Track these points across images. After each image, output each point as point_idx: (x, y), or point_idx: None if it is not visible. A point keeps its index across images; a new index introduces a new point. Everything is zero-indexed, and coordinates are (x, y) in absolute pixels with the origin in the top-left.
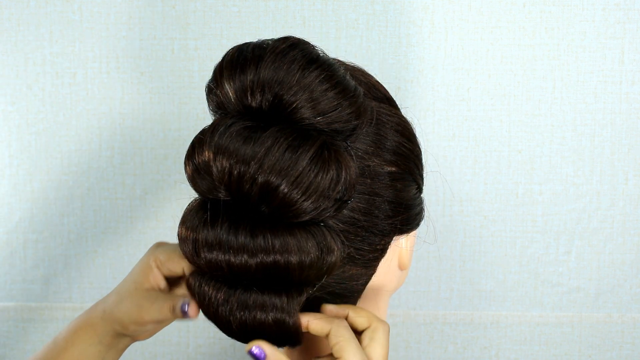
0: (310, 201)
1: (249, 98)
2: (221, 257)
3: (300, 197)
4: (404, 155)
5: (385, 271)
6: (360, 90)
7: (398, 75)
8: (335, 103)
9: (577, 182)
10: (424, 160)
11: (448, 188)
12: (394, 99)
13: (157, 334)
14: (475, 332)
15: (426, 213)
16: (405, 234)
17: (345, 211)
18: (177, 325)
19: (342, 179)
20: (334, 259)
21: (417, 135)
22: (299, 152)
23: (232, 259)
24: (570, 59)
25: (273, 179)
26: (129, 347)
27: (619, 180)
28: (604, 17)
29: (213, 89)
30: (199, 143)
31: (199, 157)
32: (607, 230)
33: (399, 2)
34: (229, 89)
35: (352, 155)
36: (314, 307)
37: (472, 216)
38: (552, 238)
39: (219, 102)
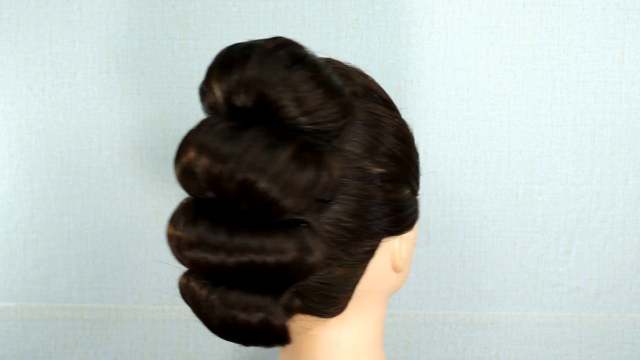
0: (288, 199)
1: (235, 98)
2: (201, 255)
3: (278, 195)
4: (396, 158)
5: (378, 273)
6: (347, 90)
7: (398, 75)
8: (320, 102)
9: (577, 182)
10: (422, 162)
11: (448, 188)
12: (394, 99)
13: (157, 333)
14: (475, 332)
15: (425, 215)
16: (397, 236)
17: (329, 212)
18: (177, 325)
19: (322, 180)
20: (313, 259)
21: (414, 138)
22: (277, 151)
23: (211, 258)
24: (570, 59)
25: (251, 175)
26: (129, 347)
27: (619, 180)
28: (604, 17)
29: (205, 91)
30: (184, 143)
31: (184, 157)
32: (607, 230)
33: (399, 2)
34: (217, 90)
35: (337, 156)
36: (303, 308)
37: (472, 216)
38: (552, 238)
39: (210, 103)
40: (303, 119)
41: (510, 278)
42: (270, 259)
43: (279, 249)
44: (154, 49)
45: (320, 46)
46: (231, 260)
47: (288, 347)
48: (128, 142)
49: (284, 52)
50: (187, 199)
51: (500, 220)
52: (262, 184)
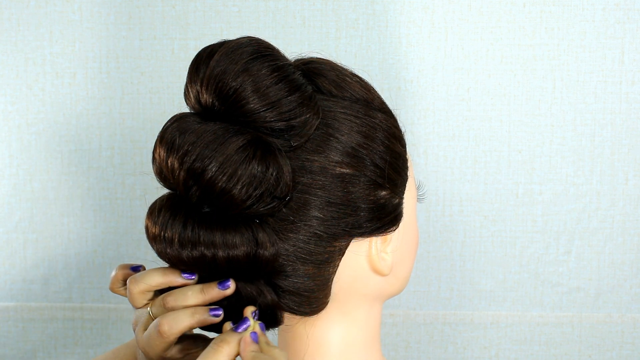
0: (236, 191)
1: (201, 94)
2: (161, 247)
3: (225, 184)
4: (360, 158)
5: (354, 274)
6: (309, 88)
7: (398, 75)
8: (281, 97)
9: (577, 182)
10: (422, 162)
11: (448, 188)
12: (395, 99)
13: None
14: (475, 332)
15: (425, 215)
16: (371, 238)
17: (287, 210)
18: None
19: (269, 175)
20: (267, 254)
21: (403, 141)
22: (226, 142)
23: (169, 250)
24: (570, 59)
25: (198, 164)
26: None
27: (619, 180)
28: (604, 17)
29: (185, 93)
30: (157, 142)
31: (154, 154)
32: (607, 230)
33: (399, 2)
34: (190, 90)
35: (294, 154)
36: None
37: (472, 216)
38: (552, 238)
39: (189, 104)
40: (264, 114)
41: (510, 278)
42: (221, 253)
43: (228, 243)
44: (154, 49)
45: (320, 46)
46: (185, 253)
47: (280, 346)
48: (128, 142)
49: (249, 48)
50: (166, 193)
51: (500, 220)
52: (209, 174)
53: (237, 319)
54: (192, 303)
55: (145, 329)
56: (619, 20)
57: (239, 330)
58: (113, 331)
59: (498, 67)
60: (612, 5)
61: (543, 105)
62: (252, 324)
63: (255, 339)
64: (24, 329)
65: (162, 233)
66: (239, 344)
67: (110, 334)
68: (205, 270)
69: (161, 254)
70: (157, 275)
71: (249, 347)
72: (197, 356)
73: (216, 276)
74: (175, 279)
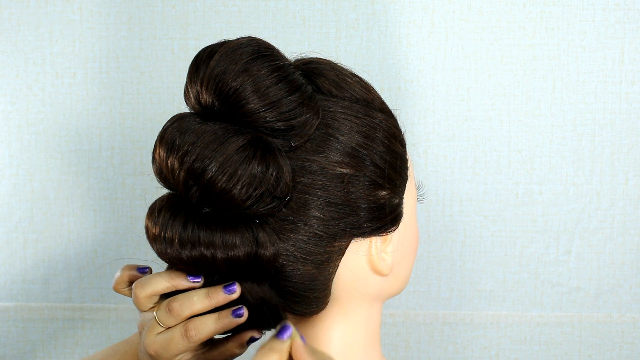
0: (236, 191)
1: (201, 95)
2: (161, 247)
3: (225, 185)
4: (360, 158)
5: (354, 274)
6: (309, 88)
7: (398, 75)
8: (281, 97)
9: (577, 182)
10: (422, 162)
11: (448, 188)
12: (395, 99)
13: None
14: (475, 332)
15: (425, 215)
16: (371, 238)
17: (287, 210)
18: None
19: (269, 175)
20: (268, 253)
21: (402, 141)
22: (226, 142)
23: (169, 250)
24: (570, 59)
25: (198, 164)
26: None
27: (619, 180)
28: (604, 17)
29: (185, 93)
30: (157, 142)
31: (154, 154)
32: (607, 230)
33: (399, 2)
34: (190, 90)
35: (294, 154)
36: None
37: (472, 216)
38: (552, 238)
39: (189, 104)
40: (264, 114)
41: (510, 278)
42: (220, 253)
43: (227, 244)
44: (154, 49)
45: (320, 46)
46: (184, 253)
47: None
48: (128, 142)
49: (249, 48)
50: (166, 193)
51: (500, 220)
52: (209, 174)
53: (254, 319)
54: (197, 308)
55: (155, 333)
56: (619, 20)
57: (284, 338)
58: (113, 331)
59: (498, 67)
60: (612, 5)
61: (543, 105)
62: (294, 330)
63: (305, 341)
64: (24, 329)
65: (163, 233)
66: (287, 351)
67: (110, 334)
68: (205, 271)
69: (161, 254)
70: (163, 279)
71: (303, 349)
72: (203, 357)
73: (221, 278)
74: (181, 282)
